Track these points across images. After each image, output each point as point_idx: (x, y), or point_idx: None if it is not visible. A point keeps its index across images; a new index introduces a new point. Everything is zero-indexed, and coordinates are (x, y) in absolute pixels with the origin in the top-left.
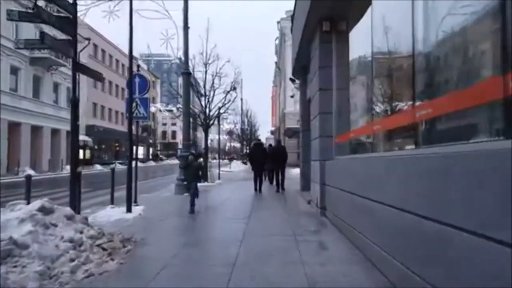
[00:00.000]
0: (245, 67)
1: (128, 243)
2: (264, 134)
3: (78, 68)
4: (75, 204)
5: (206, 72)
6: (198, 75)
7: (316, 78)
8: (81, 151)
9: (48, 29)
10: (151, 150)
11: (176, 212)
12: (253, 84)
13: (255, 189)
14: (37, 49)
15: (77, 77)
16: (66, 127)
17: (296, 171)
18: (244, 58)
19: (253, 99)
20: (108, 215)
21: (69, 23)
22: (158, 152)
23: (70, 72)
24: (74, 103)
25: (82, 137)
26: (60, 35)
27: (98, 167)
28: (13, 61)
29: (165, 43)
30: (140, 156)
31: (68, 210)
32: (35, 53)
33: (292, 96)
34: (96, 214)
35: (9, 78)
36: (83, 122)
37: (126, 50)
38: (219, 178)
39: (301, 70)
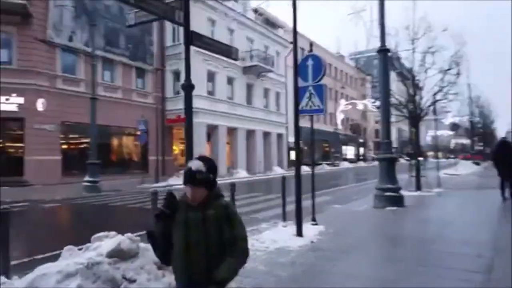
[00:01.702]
0: (475, 45)
1: None
2: (503, 127)
3: (192, 38)
4: None
5: (413, 50)
6: (404, 55)
7: None
8: (291, 153)
9: None
10: (361, 150)
11: (370, 239)
12: (485, 67)
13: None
14: (145, 22)
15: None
16: (276, 130)
17: None
18: (473, 33)
19: (486, 84)
20: (273, 239)
21: None
22: (371, 152)
23: (277, 78)
24: (187, 87)
25: (291, 139)
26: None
27: (305, 168)
28: (228, 73)
29: (354, 17)
30: (350, 156)
31: None
32: (246, 63)
33: None
34: (260, 236)
35: (225, 88)
36: (293, 124)
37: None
38: (439, 185)
39: None
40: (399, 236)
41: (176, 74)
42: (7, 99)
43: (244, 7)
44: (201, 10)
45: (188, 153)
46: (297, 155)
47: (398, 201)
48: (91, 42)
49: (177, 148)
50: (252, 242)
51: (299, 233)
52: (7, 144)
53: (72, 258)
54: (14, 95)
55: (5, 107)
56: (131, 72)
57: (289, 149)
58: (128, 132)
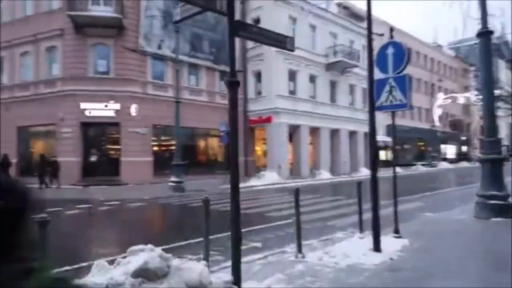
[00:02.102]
0: None
1: None
2: None
3: (236, 29)
4: None
5: None
6: None
7: None
8: (381, 152)
9: None
10: (464, 148)
11: (467, 259)
12: None
13: None
14: (190, 16)
15: (235, 45)
16: (362, 128)
17: None
18: None
19: None
20: (345, 252)
21: None
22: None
23: (364, 73)
24: (231, 84)
25: (381, 138)
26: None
27: (397, 169)
28: (310, 70)
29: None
30: (451, 156)
31: (204, 271)
32: (330, 59)
33: None
34: (331, 248)
35: (308, 87)
36: (383, 121)
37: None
38: None
39: None
40: (506, 257)
41: (258, 75)
42: (106, 106)
43: (327, 2)
44: (282, 8)
45: (234, 155)
46: (373, 156)
47: (505, 211)
48: (176, 49)
49: (260, 148)
50: (321, 256)
51: (377, 247)
52: (108, 146)
53: (99, 275)
54: (111, 102)
55: (104, 113)
56: (214, 75)
57: (378, 148)
58: (212, 133)
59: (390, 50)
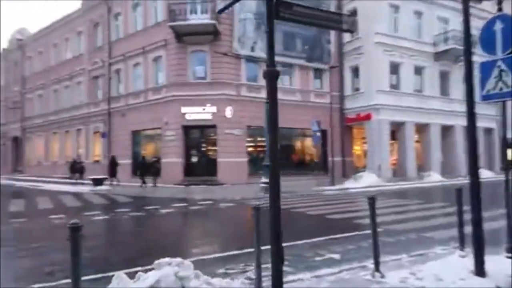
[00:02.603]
0: None
1: None
2: None
3: (277, 10)
4: None
5: None
6: None
7: None
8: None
9: None
10: None
11: None
12: None
13: None
14: (231, 4)
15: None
16: (482, 123)
17: None
18: None
19: None
20: (437, 274)
21: None
22: None
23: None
24: (270, 74)
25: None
26: None
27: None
28: (416, 61)
29: None
30: None
31: None
32: (439, 47)
33: None
34: (420, 267)
35: (413, 80)
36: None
37: None
38: None
39: None
40: None
41: (355, 70)
42: (203, 109)
43: None
44: None
45: (273, 153)
46: (474, 157)
47: None
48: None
49: (359, 148)
50: (405, 276)
51: (479, 270)
52: (207, 148)
53: None
54: (208, 105)
55: (202, 116)
56: (308, 73)
57: (506, 147)
58: (308, 133)
59: (498, 26)
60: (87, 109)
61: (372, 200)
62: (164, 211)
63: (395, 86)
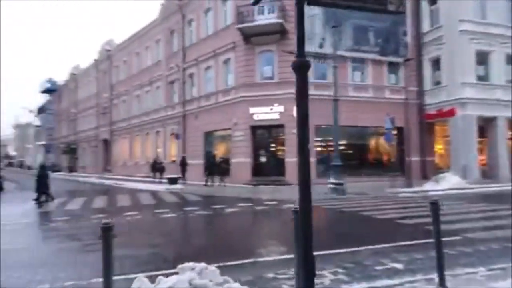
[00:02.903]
0: None
1: None
2: None
3: None
4: None
5: None
6: None
7: None
8: None
9: None
10: None
11: None
12: None
13: None
14: None
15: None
16: None
17: None
18: None
19: None
20: None
21: None
22: None
23: None
24: (299, 66)
25: None
26: None
27: None
28: (507, 49)
29: None
30: None
31: None
32: None
33: None
34: (498, 285)
35: (504, 70)
36: None
37: None
38: None
39: None
40: None
41: (435, 62)
42: (271, 109)
43: None
44: None
45: (302, 151)
46: None
47: None
48: (334, 45)
49: (442, 147)
50: None
51: None
52: (275, 148)
53: None
54: (276, 104)
55: (270, 116)
56: (381, 68)
57: None
58: (382, 131)
59: None
60: (165, 112)
61: (435, 205)
62: (229, 210)
63: (483, 78)
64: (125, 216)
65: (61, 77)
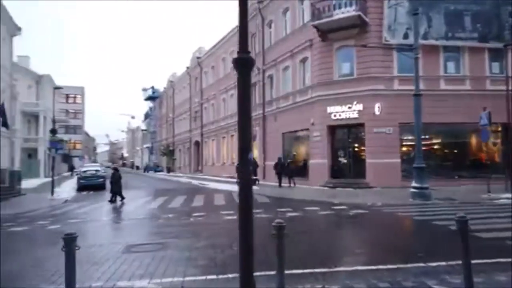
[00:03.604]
0: None
1: None
2: None
3: None
4: None
5: None
6: None
7: None
8: None
9: None
10: None
11: None
12: None
13: None
14: None
15: None
16: None
17: None
18: None
19: None
20: None
21: None
22: None
23: None
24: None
25: None
26: None
27: None
28: None
29: None
30: None
31: None
32: None
33: None
34: None
35: None
36: None
37: None
38: None
39: None
40: None
41: None
42: (349, 107)
43: None
44: None
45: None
46: None
47: None
48: (415, 33)
49: None
50: None
51: None
52: (354, 148)
53: None
54: (354, 102)
55: (348, 115)
56: (481, 56)
57: None
58: (478, 128)
59: None
60: None
61: (464, 223)
62: (290, 214)
63: None
64: (194, 217)
65: (162, 85)
